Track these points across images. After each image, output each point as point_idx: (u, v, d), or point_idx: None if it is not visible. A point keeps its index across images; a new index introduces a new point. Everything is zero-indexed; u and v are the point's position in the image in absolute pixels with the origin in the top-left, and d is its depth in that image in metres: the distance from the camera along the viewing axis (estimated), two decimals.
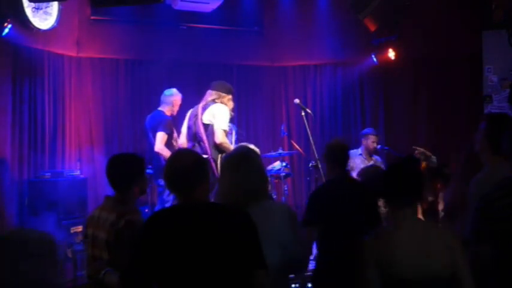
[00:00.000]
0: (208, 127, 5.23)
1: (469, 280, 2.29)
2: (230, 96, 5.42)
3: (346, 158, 3.62)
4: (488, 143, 2.96)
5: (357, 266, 3.29)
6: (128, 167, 3.05)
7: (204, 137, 5.22)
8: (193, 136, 5.35)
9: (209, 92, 5.41)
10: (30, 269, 1.14)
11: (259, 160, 2.92)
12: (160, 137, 5.62)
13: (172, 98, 5.91)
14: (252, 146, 4.66)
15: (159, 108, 5.94)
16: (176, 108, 5.95)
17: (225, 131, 5.19)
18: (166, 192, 5.44)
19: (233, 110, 5.49)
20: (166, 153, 5.51)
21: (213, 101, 5.32)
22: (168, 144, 5.66)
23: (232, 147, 5.26)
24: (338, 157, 3.60)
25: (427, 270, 2.24)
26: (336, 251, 3.32)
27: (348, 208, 3.34)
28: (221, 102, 5.32)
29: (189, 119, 5.44)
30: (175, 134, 5.76)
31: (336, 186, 3.55)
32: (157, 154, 5.60)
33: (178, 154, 2.58)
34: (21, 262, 1.16)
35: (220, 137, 5.12)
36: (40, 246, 1.24)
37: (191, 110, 5.52)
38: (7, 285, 1.13)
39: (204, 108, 5.31)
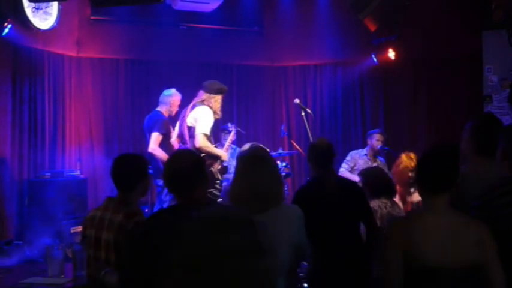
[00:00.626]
0: (190, 129, 5.26)
1: (499, 275, 2.23)
2: (219, 97, 5.38)
3: (326, 157, 3.57)
4: (473, 143, 2.96)
5: (353, 262, 3.30)
6: (133, 168, 3.03)
7: (187, 138, 5.26)
8: (181, 136, 5.41)
9: (200, 92, 5.42)
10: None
11: (275, 162, 2.89)
12: (155, 138, 5.59)
13: (170, 99, 5.87)
14: (246, 146, 4.65)
15: (157, 109, 5.90)
16: (174, 109, 5.89)
17: (205, 134, 5.16)
18: (165, 192, 5.44)
19: (221, 110, 5.43)
20: (160, 153, 5.49)
21: (202, 102, 5.32)
22: (166, 144, 5.62)
23: (215, 150, 5.30)
24: (318, 157, 3.57)
25: (453, 260, 2.19)
26: (326, 249, 3.33)
27: (329, 207, 3.34)
28: (208, 104, 5.30)
29: (180, 119, 5.48)
30: (172, 134, 5.74)
31: (316, 186, 3.53)
32: (151, 154, 5.58)
33: (177, 155, 2.58)
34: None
35: (199, 141, 5.10)
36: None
37: (184, 109, 5.56)
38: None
39: (190, 110, 5.34)
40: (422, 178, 2.36)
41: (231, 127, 5.89)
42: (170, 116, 5.90)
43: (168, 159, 2.55)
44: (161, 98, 5.94)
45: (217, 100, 5.36)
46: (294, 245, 2.64)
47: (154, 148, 5.56)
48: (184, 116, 5.36)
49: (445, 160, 2.34)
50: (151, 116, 5.88)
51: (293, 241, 2.64)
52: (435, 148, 2.46)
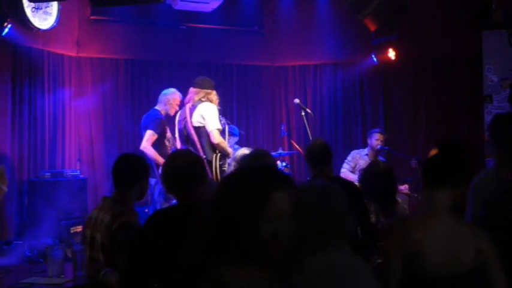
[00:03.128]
0: (199, 129, 5.17)
1: (503, 283, 2.20)
2: (215, 92, 5.36)
3: (319, 158, 3.63)
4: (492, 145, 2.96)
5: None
6: (133, 167, 3.05)
7: (196, 139, 5.17)
8: (185, 139, 5.32)
9: (194, 90, 5.31)
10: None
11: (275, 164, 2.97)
12: (148, 136, 5.50)
13: (166, 97, 5.77)
14: (246, 150, 4.64)
15: (155, 107, 5.84)
16: (172, 108, 5.77)
17: (219, 129, 5.13)
18: (156, 192, 5.42)
19: (219, 104, 5.40)
20: (151, 152, 5.42)
21: (200, 100, 5.24)
22: (160, 144, 5.56)
23: (228, 146, 5.26)
24: (313, 158, 3.65)
25: (452, 266, 2.16)
26: None
27: None
28: (208, 100, 5.24)
29: (179, 123, 5.40)
30: (168, 134, 5.67)
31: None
32: (143, 152, 5.48)
33: (176, 155, 2.59)
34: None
35: (216, 138, 5.06)
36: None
37: (179, 112, 5.49)
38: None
39: (192, 110, 5.24)
40: (423, 170, 2.32)
41: (223, 121, 5.83)
42: (167, 116, 5.81)
43: (167, 160, 2.56)
44: (160, 96, 5.87)
45: (215, 95, 5.34)
46: None
47: (145, 146, 5.47)
48: (185, 118, 5.30)
49: (448, 154, 2.31)
50: (149, 114, 5.81)
51: None
52: (443, 143, 2.46)
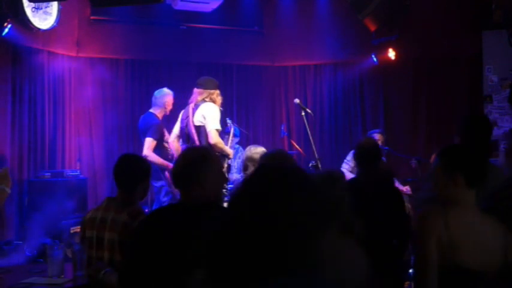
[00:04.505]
0: (199, 128, 5.20)
1: None
2: (218, 92, 5.37)
3: (369, 156, 3.68)
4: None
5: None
6: (136, 168, 3.06)
7: (196, 138, 5.19)
8: (186, 138, 5.34)
9: (197, 90, 5.35)
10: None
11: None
12: (148, 143, 5.50)
13: (164, 100, 5.75)
14: (258, 149, 4.62)
15: (151, 110, 5.79)
16: (169, 108, 5.79)
17: (217, 130, 5.14)
18: (162, 192, 5.44)
19: (221, 105, 5.41)
20: (153, 158, 5.39)
21: (203, 100, 5.28)
22: (160, 147, 5.56)
23: (226, 147, 5.27)
24: (361, 156, 3.71)
25: (483, 260, 2.14)
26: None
27: (361, 208, 3.34)
28: (210, 100, 5.27)
29: (181, 121, 5.41)
30: (166, 136, 5.68)
31: (354, 184, 3.59)
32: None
33: (183, 153, 2.59)
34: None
35: (214, 138, 5.07)
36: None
37: (183, 111, 5.51)
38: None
39: (195, 109, 5.28)
40: (460, 169, 2.23)
41: (229, 123, 5.81)
42: (165, 116, 5.82)
43: (177, 158, 2.58)
44: (153, 99, 5.82)
45: (218, 95, 5.36)
46: None
47: (147, 154, 5.44)
48: (187, 117, 5.34)
49: (483, 155, 2.31)
50: (145, 118, 5.78)
51: None
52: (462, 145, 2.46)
